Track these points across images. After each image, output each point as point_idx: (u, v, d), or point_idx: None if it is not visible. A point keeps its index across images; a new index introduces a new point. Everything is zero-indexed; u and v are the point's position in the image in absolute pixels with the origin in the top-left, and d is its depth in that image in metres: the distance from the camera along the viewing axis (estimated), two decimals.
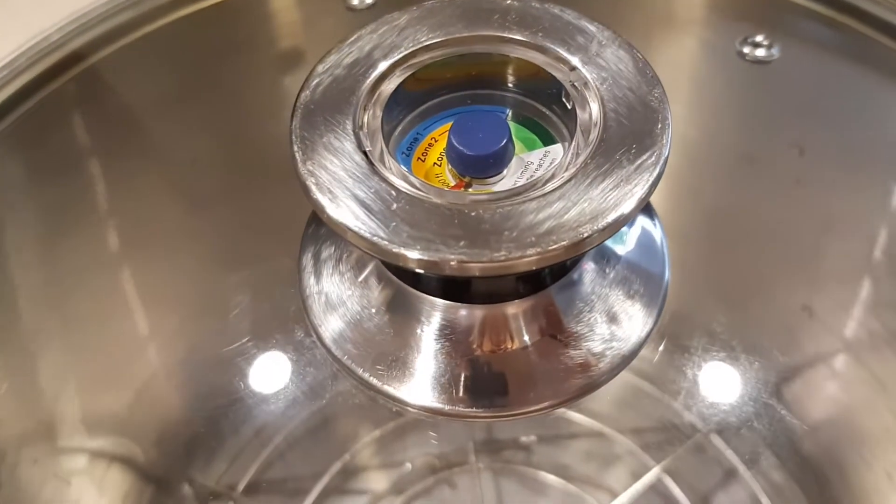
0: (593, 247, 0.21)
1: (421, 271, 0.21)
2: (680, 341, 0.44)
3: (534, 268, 0.20)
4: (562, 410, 0.44)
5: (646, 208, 0.27)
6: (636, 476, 0.41)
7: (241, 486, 0.42)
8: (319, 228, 0.28)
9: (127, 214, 0.40)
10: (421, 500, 0.42)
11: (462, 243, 0.20)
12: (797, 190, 0.40)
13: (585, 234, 0.20)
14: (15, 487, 0.33)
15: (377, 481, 0.43)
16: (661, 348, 0.42)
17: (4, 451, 0.34)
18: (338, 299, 0.26)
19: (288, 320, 0.28)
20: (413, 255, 0.20)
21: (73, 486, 0.38)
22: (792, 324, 0.42)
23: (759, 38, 0.34)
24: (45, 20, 0.38)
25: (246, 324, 0.34)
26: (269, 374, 0.32)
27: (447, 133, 0.24)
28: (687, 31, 0.39)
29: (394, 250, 0.20)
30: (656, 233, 0.27)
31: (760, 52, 0.34)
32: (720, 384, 0.44)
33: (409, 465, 0.43)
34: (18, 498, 0.33)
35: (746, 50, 0.34)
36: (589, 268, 0.25)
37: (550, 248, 0.20)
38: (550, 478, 0.43)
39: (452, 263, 0.20)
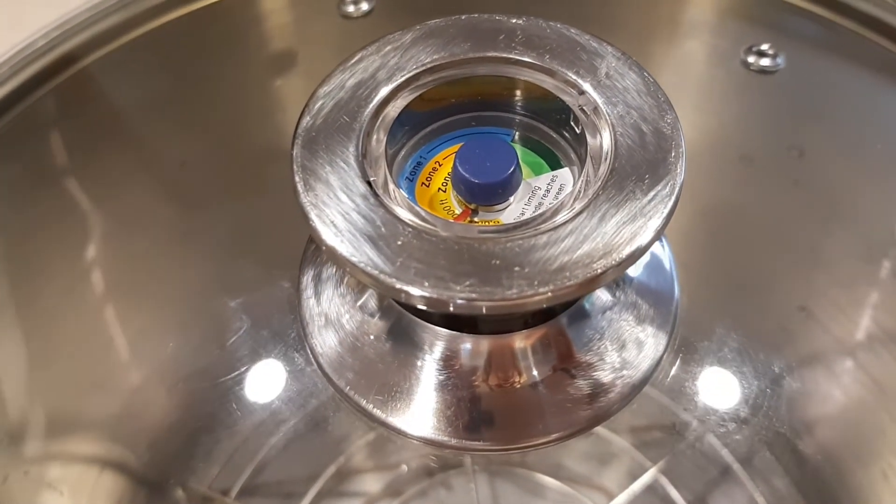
0: (607, 283, 0.20)
1: (427, 308, 0.20)
2: (677, 343, 0.44)
3: (545, 305, 0.20)
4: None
5: None
6: (633, 477, 0.41)
7: (234, 491, 0.42)
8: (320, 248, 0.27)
9: (117, 219, 0.40)
10: (417, 500, 0.42)
11: (471, 281, 0.19)
12: (796, 191, 0.40)
13: (599, 271, 0.20)
14: (7, 498, 0.32)
15: (373, 484, 0.43)
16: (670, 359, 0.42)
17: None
18: (338, 324, 0.25)
19: (287, 346, 0.27)
20: (421, 293, 0.19)
21: (66, 495, 0.38)
22: (789, 325, 0.42)
23: (764, 47, 0.33)
24: (31, 24, 0.37)
25: (244, 347, 0.33)
26: (266, 397, 0.31)
27: (452, 157, 0.23)
28: (692, 38, 0.38)
29: (401, 288, 0.20)
30: (664, 254, 0.26)
31: (765, 62, 0.33)
32: (717, 384, 0.44)
33: (405, 468, 0.43)
34: None
35: (751, 59, 0.33)
36: (599, 295, 0.24)
37: (564, 285, 0.19)
38: (546, 479, 0.42)
39: (461, 302, 0.19)
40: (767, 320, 0.42)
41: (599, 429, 0.43)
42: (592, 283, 0.20)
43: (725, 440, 0.42)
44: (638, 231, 0.20)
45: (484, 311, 0.20)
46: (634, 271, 0.26)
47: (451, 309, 0.20)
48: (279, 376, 0.31)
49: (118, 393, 0.40)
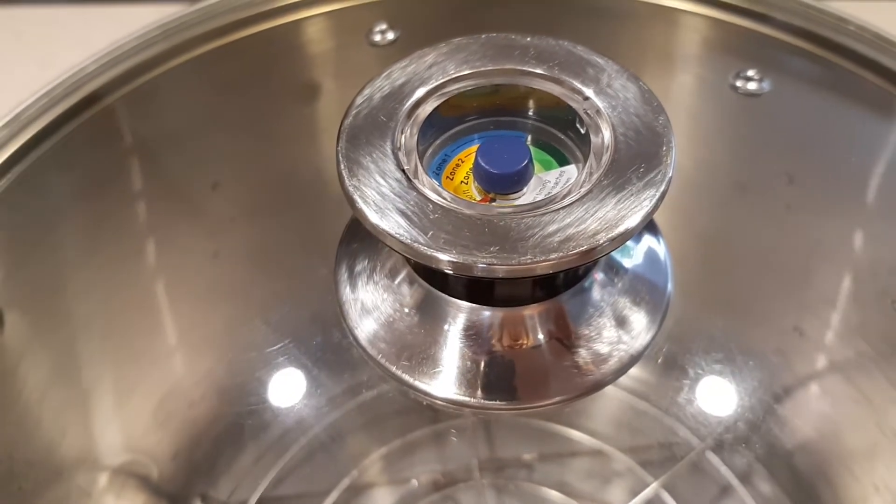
0: (608, 252, 0.23)
1: (453, 273, 0.23)
2: (676, 361, 0.46)
3: (555, 270, 0.23)
4: (563, 428, 0.47)
5: (651, 226, 0.30)
6: (635, 492, 0.43)
7: (252, 501, 0.44)
8: (352, 244, 0.31)
9: (153, 233, 0.42)
10: None
11: (493, 248, 0.23)
12: (787, 216, 0.43)
13: (602, 241, 0.23)
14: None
15: (384, 498, 0.45)
16: (659, 360, 0.44)
17: (29, 466, 0.35)
18: (372, 305, 0.28)
19: (326, 324, 0.30)
20: (449, 258, 0.23)
21: (93, 500, 0.40)
22: (784, 344, 0.44)
23: (750, 73, 0.37)
24: (67, 60, 0.39)
25: (285, 328, 0.36)
26: (307, 371, 0.34)
27: (473, 154, 0.27)
28: (683, 66, 0.41)
29: (432, 254, 0.23)
30: (660, 249, 0.30)
31: (752, 86, 0.37)
32: (715, 403, 0.46)
33: (415, 482, 0.45)
34: None
35: (739, 83, 0.37)
36: (599, 277, 0.28)
37: (570, 252, 0.23)
38: (552, 493, 0.45)
39: (483, 266, 0.23)
40: (763, 340, 0.45)
41: (603, 446, 0.46)
42: (595, 251, 0.23)
43: (724, 456, 0.45)
44: (633, 210, 0.24)
45: (502, 274, 0.23)
46: (632, 261, 0.29)
47: (475, 273, 0.23)
48: (320, 351, 0.34)
49: (149, 399, 0.43)
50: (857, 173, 0.40)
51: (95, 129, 0.38)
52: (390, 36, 0.40)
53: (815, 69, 0.39)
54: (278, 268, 0.44)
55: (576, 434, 0.46)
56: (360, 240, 0.30)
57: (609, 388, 0.47)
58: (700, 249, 0.39)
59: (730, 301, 0.44)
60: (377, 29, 0.40)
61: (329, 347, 0.37)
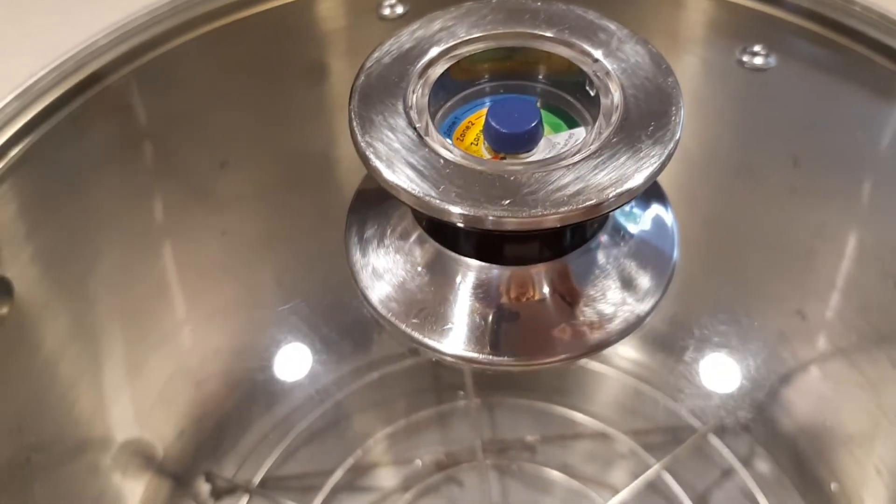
0: (617, 207, 0.24)
1: (465, 226, 0.24)
2: (679, 345, 0.47)
3: (565, 224, 0.23)
4: (566, 410, 0.47)
5: (659, 194, 0.31)
6: (637, 474, 0.44)
7: (256, 480, 0.45)
8: (361, 211, 0.31)
9: (162, 211, 0.42)
10: (430, 496, 0.45)
11: (502, 202, 0.23)
12: (792, 198, 0.43)
13: (611, 195, 0.23)
14: (31, 476, 0.34)
15: (387, 478, 0.46)
16: (663, 331, 0.44)
17: (38, 439, 0.36)
18: (383, 268, 0.29)
19: (338, 287, 0.30)
20: (461, 211, 0.23)
21: (100, 478, 0.40)
22: (786, 327, 0.45)
23: (756, 48, 0.37)
24: (79, 33, 0.39)
25: (296, 293, 0.37)
26: (321, 330, 0.34)
27: (483, 117, 0.27)
28: (690, 44, 0.42)
29: (445, 207, 0.23)
30: (668, 217, 0.30)
31: (758, 61, 0.37)
32: (717, 386, 0.47)
33: (419, 462, 0.46)
34: (50, 492, 0.35)
35: (745, 59, 0.37)
36: (605, 239, 0.28)
37: (580, 205, 0.23)
38: (555, 475, 0.45)
39: (494, 219, 0.23)
40: (767, 323, 0.45)
41: (606, 428, 0.47)
42: (604, 205, 0.24)
43: (726, 439, 0.45)
44: (642, 166, 0.24)
45: (514, 227, 0.23)
46: (638, 227, 0.30)
47: (486, 225, 0.23)
48: (333, 311, 0.34)
49: (158, 375, 0.43)
50: (861, 155, 0.40)
51: (105, 105, 0.39)
52: (399, 10, 0.40)
53: (821, 50, 0.39)
54: (287, 244, 0.44)
55: (579, 416, 0.46)
56: (369, 206, 0.31)
57: (611, 371, 0.48)
58: (704, 232, 0.39)
59: (733, 283, 0.45)
60: (386, 3, 0.40)
61: (339, 310, 0.37)
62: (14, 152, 0.35)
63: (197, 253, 0.44)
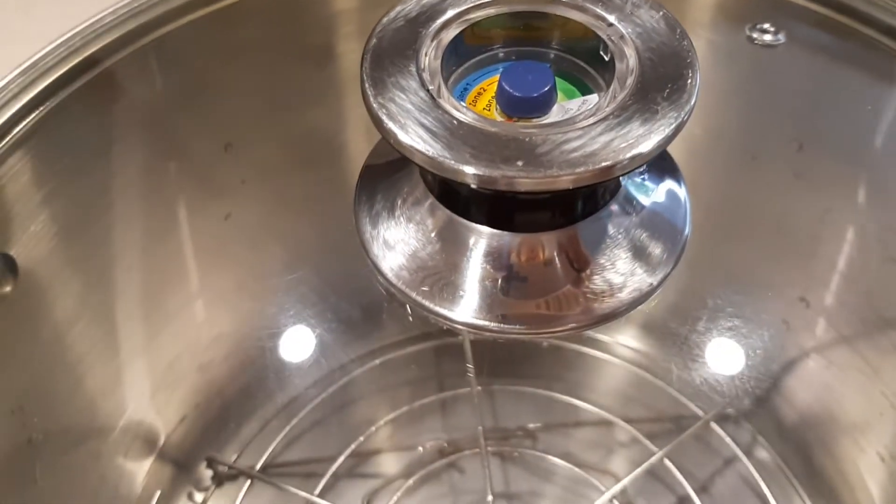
0: (632, 169, 0.24)
1: (479, 187, 0.24)
2: (681, 333, 0.47)
3: (578, 185, 0.23)
4: (568, 399, 0.47)
5: (673, 170, 0.30)
6: (639, 462, 0.43)
7: (258, 466, 0.44)
8: (369, 186, 0.31)
9: (166, 192, 0.42)
10: (432, 482, 0.45)
11: (516, 162, 0.23)
12: (796, 183, 0.43)
13: (626, 157, 0.23)
14: (33, 457, 0.34)
15: (389, 464, 0.45)
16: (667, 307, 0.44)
17: (40, 420, 0.35)
18: (395, 239, 0.28)
19: (348, 257, 0.30)
20: (475, 171, 0.23)
21: (101, 461, 0.40)
22: (790, 315, 0.44)
23: (766, 26, 0.37)
24: (85, 13, 0.39)
25: (307, 258, 0.36)
26: (330, 306, 0.34)
27: (495, 83, 0.27)
28: (700, 22, 0.42)
29: (458, 168, 0.23)
30: (681, 192, 0.30)
31: (768, 38, 0.37)
32: (720, 374, 0.47)
33: (420, 449, 0.46)
34: (52, 474, 0.35)
35: (755, 35, 0.37)
36: (616, 209, 0.28)
37: (595, 166, 0.23)
38: (557, 462, 0.45)
39: (507, 179, 0.23)
40: (769, 311, 0.45)
41: (608, 416, 0.46)
42: (620, 166, 0.23)
43: (727, 428, 0.45)
44: (657, 128, 0.24)
45: (529, 187, 0.23)
46: (650, 199, 0.29)
47: (500, 186, 0.23)
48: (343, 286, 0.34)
49: (164, 358, 0.43)
50: (866, 141, 0.40)
51: (110, 85, 0.38)
52: None
53: (827, 33, 0.39)
54: (293, 224, 0.44)
55: (581, 404, 0.46)
56: (377, 179, 0.30)
57: (614, 360, 0.48)
58: (709, 217, 0.39)
59: (736, 271, 0.45)
60: None
61: (350, 285, 0.37)
62: (17, 130, 0.34)
63: (201, 235, 0.44)
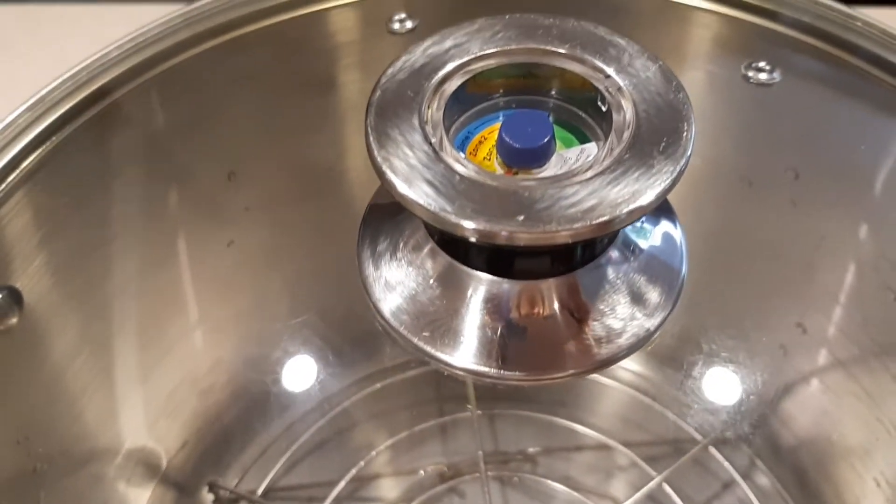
0: (630, 223, 0.24)
1: (479, 241, 0.24)
2: (680, 358, 0.47)
3: (578, 239, 0.24)
4: (567, 423, 0.48)
5: (668, 210, 0.31)
6: (638, 486, 0.44)
7: (259, 491, 0.45)
8: (373, 224, 0.31)
9: (170, 222, 0.42)
10: None
11: (517, 217, 0.24)
12: (793, 211, 0.43)
13: (624, 211, 0.24)
14: (37, 485, 0.35)
15: (390, 489, 0.46)
16: (668, 346, 0.45)
17: (45, 449, 0.36)
18: (395, 281, 0.29)
19: (349, 286, 0.31)
20: (476, 226, 0.24)
21: (104, 487, 0.40)
22: (787, 340, 0.45)
23: (762, 64, 0.38)
24: (92, 45, 0.39)
25: (307, 306, 0.37)
26: (330, 340, 0.35)
27: (495, 132, 0.27)
28: (695, 59, 0.42)
29: (459, 222, 0.24)
30: (676, 234, 0.31)
31: (763, 76, 0.38)
32: (718, 399, 0.47)
33: (421, 473, 0.46)
34: (56, 502, 0.35)
35: (751, 74, 0.38)
36: (615, 255, 0.29)
37: (594, 221, 0.24)
38: (556, 486, 0.46)
39: (507, 234, 0.24)
40: (768, 337, 0.45)
41: (608, 441, 0.47)
42: (618, 221, 0.24)
43: (726, 452, 0.45)
44: (655, 182, 0.25)
45: (528, 242, 0.24)
46: (648, 242, 0.30)
47: (501, 240, 0.24)
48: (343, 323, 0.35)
49: (164, 385, 0.43)
50: (862, 170, 0.40)
51: (116, 117, 0.39)
52: (409, 24, 0.41)
53: (823, 65, 0.39)
54: (296, 256, 0.44)
55: (580, 428, 0.47)
56: (381, 219, 0.31)
57: (614, 384, 0.48)
58: (706, 245, 0.39)
59: (734, 298, 0.45)
60: (396, 18, 0.41)
61: (350, 322, 0.37)
62: (25, 164, 0.35)
63: (204, 264, 0.44)
